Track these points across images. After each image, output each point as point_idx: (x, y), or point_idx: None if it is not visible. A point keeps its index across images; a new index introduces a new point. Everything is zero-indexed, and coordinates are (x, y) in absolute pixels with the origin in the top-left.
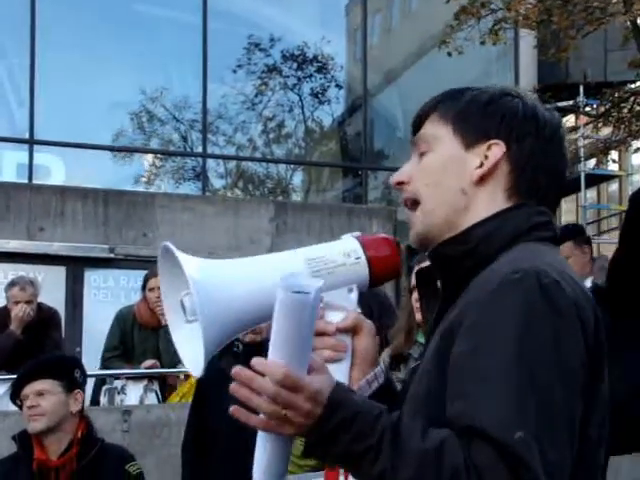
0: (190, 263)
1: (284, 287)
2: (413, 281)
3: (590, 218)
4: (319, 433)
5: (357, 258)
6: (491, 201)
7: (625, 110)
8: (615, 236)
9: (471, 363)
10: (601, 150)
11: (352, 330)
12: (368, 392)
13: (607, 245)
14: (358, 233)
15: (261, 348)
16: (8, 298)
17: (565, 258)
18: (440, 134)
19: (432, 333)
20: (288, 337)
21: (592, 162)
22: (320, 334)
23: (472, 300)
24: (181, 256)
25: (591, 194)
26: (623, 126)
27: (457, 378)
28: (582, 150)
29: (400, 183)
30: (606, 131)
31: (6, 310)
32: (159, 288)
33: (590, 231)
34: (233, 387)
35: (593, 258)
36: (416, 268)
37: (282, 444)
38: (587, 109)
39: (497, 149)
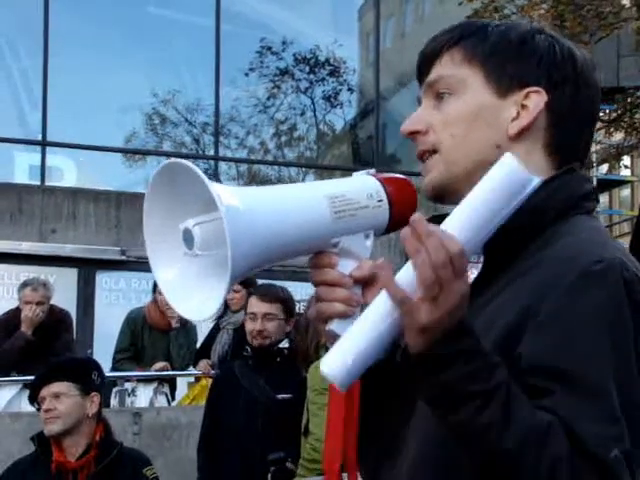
0: (218, 188)
1: (511, 161)
2: None
3: (602, 223)
4: (438, 351)
5: (379, 201)
6: (528, 158)
7: (637, 115)
8: (627, 241)
9: (556, 360)
10: (613, 155)
11: (366, 281)
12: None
13: None
14: (373, 170)
15: (269, 351)
16: (20, 298)
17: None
18: (466, 77)
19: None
20: (487, 213)
21: (604, 167)
22: (333, 284)
23: (545, 289)
24: (208, 179)
25: (603, 199)
26: (635, 132)
27: (540, 374)
28: (594, 155)
29: (415, 132)
30: (618, 136)
31: (18, 311)
32: None
33: None
34: (405, 233)
35: None
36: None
37: (382, 346)
38: (600, 114)
39: (538, 98)
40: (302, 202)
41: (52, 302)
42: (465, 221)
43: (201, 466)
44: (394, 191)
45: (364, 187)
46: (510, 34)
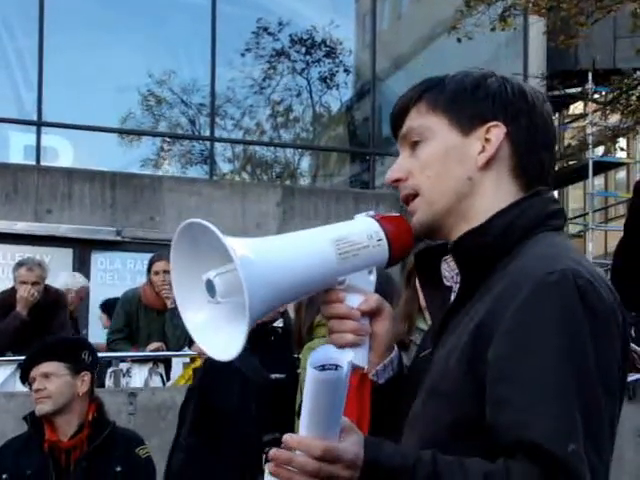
0: (233, 242)
1: (314, 365)
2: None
3: (597, 205)
4: None
5: (379, 240)
6: (497, 184)
7: (634, 97)
8: (622, 224)
9: (511, 368)
10: (609, 137)
11: (373, 313)
12: (384, 377)
13: (614, 233)
14: (372, 212)
15: (263, 331)
16: (15, 278)
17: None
18: (432, 124)
19: (445, 326)
20: (322, 412)
21: (600, 149)
22: (342, 317)
23: (505, 301)
24: (222, 235)
25: (599, 181)
26: (631, 114)
27: (500, 383)
28: (590, 137)
29: (397, 180)
30: (614, 118)
31: (13, 291)
32: (164, 271)
33: (598, 218)
34: (273, 470)
35: None
36: (415, 251)
37: None
38: (595, 96)
39: (497, 130)
40: (310, 248)
41: (47, 282)
42: (313, 421)
43: (191, 446)
44: (391, 230)
45: (364, 229)
46: (465, 81)
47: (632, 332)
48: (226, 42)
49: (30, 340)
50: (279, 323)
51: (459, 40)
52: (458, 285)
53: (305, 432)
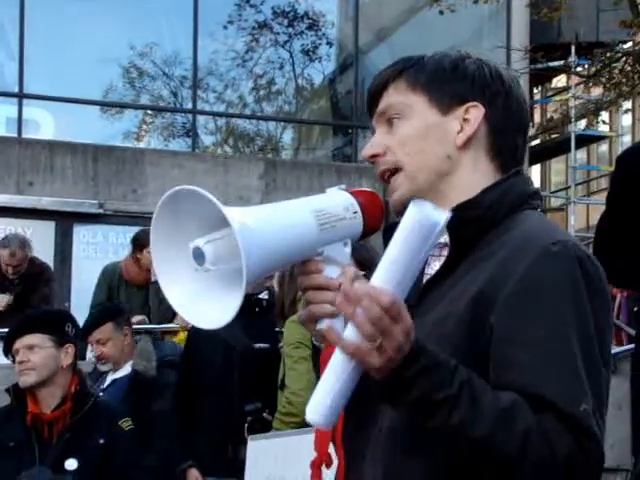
0: (228, 208)
1: (419, 207)
2: None
3: (580, 179)
4: (399, 375)
5: (354, 212)
6: (475, 164)
7: (616, 70)
8: (604, 197)
9: (521, 331)
10: (592, 111)
11: None
12: None
13: (596, 206)
14: (343, 186)
15: (247, 301)
16: (1, 256)
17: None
18: (412, 103)
19: (426, 294)
20: (407, 260)
21: (582, 123)
22: (321, 288)
23: (509, 267)
24: (215, 200)
25: (581, 155)
26: (614, 87)
27: (507, 346)
28: (573, 110)
29: (375, 156)
30: (597, 92)
31: None
32: None
33: (580, 192)
34: (339, 301)
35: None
36: (383, 228)
37: (353, 384)
38: (578, 69)
39: (476, 111)
40: (294, 218)
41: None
42: (390, 271)
43: (177, 420)
44: (365, 203)
45: (341, 201)
46: (444, 61)
47: (635, 308)
48: (208, 14)
49: (14, 312)
50: (264, 295)
51: (441, 12)
52: (436, 258)
53: (381, 278)
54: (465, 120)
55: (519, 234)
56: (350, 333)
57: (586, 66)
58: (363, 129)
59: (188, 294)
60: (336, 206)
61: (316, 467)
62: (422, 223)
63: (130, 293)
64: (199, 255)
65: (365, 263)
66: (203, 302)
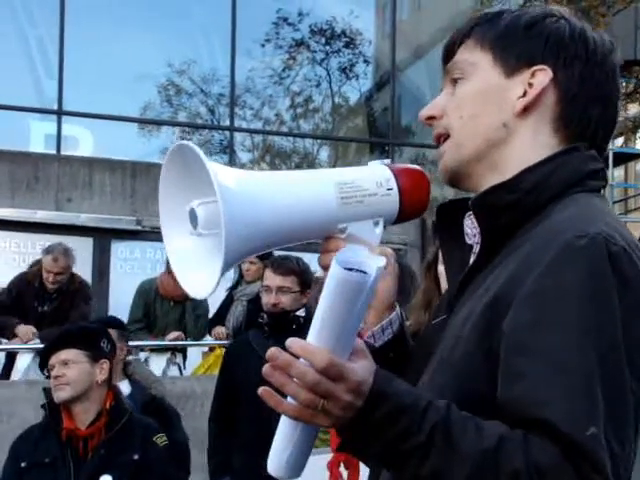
0: (218, 169)
1: (342, 263)
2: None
3: (617, 197)
4: (360, 428)
5: (389, 189)
6: (535, 135)
7: None
8: None
9: (532, 339)
10: (629, 128)
11: None
12: (382, 340)
13: (634, 224)
14: (388, 160)
15: (285, 317)
16: (43, 262)
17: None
18: (477, 60)
19: (462, 289)
20: (338, 319)
21: (620, 140)
22: None
23: (529, 265)
24: (206, 158)
25: (618, 172)
26: None
27: (515, 354)
28: None
29: (431, 118)
30: (634, 109)
31: (37, 270)
32: None
33: (617, 210)
34: (267, 370)
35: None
36: (437, 206)
37: (310, 436)
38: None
39: (543, 75)
40: (308, 186)
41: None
42: (324, 329)
43: (215, 435)
44: (405, 181)
45: (374, 175)
46: (521, 18)
47: None
48: (246, 32)
49: (51, 327)
50: (301, 312)
51: None
52: (478, 245)
53: (313, 340)
54: (530, 85)
55: (550, 224)
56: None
57: (624, 84)
58: (400, 146)
59: (183, 256)
60: (368, 180)
61: (334, 466)
62: (347, 281)
63: (166, 309)
64: (194, 217)
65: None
66: (193, 267)
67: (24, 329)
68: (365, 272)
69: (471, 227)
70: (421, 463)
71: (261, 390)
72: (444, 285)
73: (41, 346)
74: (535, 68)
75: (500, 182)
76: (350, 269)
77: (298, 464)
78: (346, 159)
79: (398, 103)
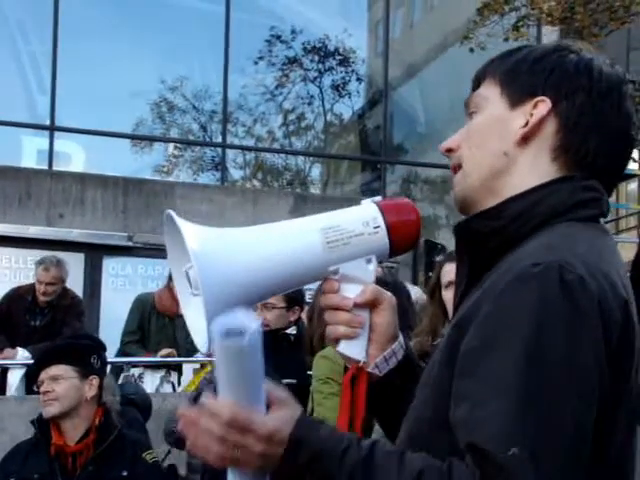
0: (191, 232)
1: (217, 332)
2: (448, 277)
3: (609, 217)
4: (284, 473)
5: (376, 227)
6: (534, 163)
7: None
8: (634, 235)
9: (476, 362)
10: None
11: (371, 304)
12: (386, 369)
13: (625, 245)
14: (379, 198)
15: (274, 337)
16: (35, 274)
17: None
18: (489, 94)
19: (455, 311)
20: (232, 380)
21: None
22: (335, 309)
23: (489, 291)
24: (183, 225)
25: None
26: None
27: (461, 376)
28: None
29: (449, 150)
30: None
31: (30, 286)
32: None
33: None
34: (181, 427)
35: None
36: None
37: (251, 477)
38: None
39: (542, 106)
40: (292, 237)
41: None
42: (225, 393)
43: None
44: (392, 217)
45: (361, 215)
46: (533, 53)
47: None
48: (239, 49)
49: (42, 341)
50: (292, 330)
51: (472, 50)
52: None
53: (220, 396)
54: (531, 115)
55: (518, 253)
56: None
57: None
58: (392, 164)
59: (191, 314)
60: (354, 221)
61: None
62: (222, 349)
63: (161, 324)
64: (188, 279)
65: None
66: (195, 323)
67: (11, 353)
68: (241, 334)
69: None
70: None
71: (187, 446)
72: (450, 312)
73: (32, 362)
74: (537, 99)
75: (484, 209)
76: (228, 333)
77: None
78: (338, 177)
79: (390, 121)
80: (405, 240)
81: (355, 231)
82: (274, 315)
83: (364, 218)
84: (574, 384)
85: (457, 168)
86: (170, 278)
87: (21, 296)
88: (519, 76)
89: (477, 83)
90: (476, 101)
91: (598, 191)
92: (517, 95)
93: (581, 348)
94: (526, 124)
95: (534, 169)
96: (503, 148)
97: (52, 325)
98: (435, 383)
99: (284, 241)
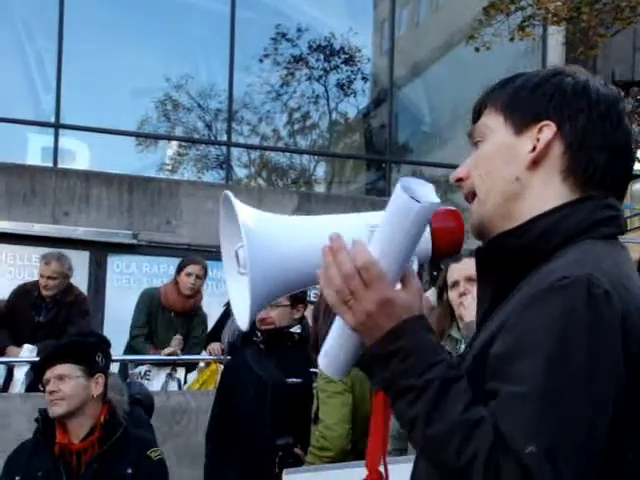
0: (247, 213)
1: (403, 185)
2: (455, 277)
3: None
4: (376, 351)
5: None
6: (546, 185)
7: None
8: (639, 235)
9: (504, 365)
10: None
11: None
12: None
13: (631, 245)
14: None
15: (279, 336)
16: (39, 269)
17: None
18: (492, 123)
19: (480, 327)
20: (385, 238)
21: None
22: None
23: (519, 304)
24: (238, 205)
25: None
26: None
27: (492, 377)
28: None
29: (460, 180)
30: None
31: (34, 282)
32: (197, 276)
33: None
34: (325, 248)
35: None
36: (475, 250)
37: (346, 335)
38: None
39: (548, 130)
40: (340, 230)
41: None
42: (373, 241)
43: (209, 453)
44: (438, 223)
45: None
46: (531, 80)
47: None
48: (244, 48)
49: (47, 337)
50: (297, 329)
51: (477, 50)
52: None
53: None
54: (538, 140)
55: (547, 269)
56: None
57: None
58: (397, 164)
59: (235, 292)
60: None
61: None
62: (398, 202)
63: (167, 320)
64: (237, 258)
65: None
66: (240, 302)
67: (15, 351)
68: (420, 202)
69: None
70: (408, 405)
71: (320, 271)
72: (458, 312)
73: (37, 359)
74: (541, 124)
75: (510, 228)
76: (412, 192)
77: (335, 360)
78: (343, 176)
79: (395, 120)
80: (448, 246)
81: None
82: (279, 313)
83: None
84: (591, 391)
85: (472, 196)
86: (178, 272)
87: (28, 292)
88: (521, 103)
89: (477, 113)
90: (480, 130)
91: (616, 209)
92: (521, 121)
93: (601, 358)
94: (534, 149)
95: (547, 191)
96: (514, 173)
97: (56, 321)
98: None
99: (335, 231)
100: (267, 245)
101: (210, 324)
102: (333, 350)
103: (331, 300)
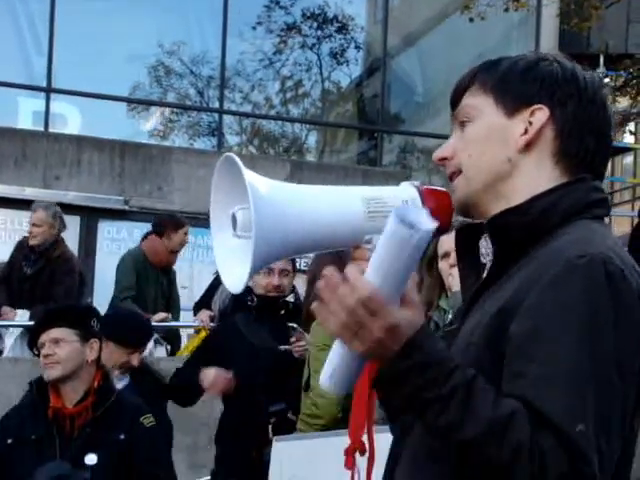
0: (252, 176)
1: (398, 216)
2: (445, 247)
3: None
4: (392, 370)
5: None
6: (538, 167)
7: None
8: (628, 209)
9: (533, 345)
10: (618, 122)
11: None
12: None
13: (620, 218)
14: (418, 182)
15: (275, 302)
16: None
17: None
18: (480, 104)
19: (474, 302)
20: (384, 265)
21: None
22: None
23: (534, 279)
24: (245, 169)
25: None
26: None
27: (518, 358)
28: None
29: (443, 159)
30: (624, 103)
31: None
32: (185, 233)
33: None
34: (320, 285)
35: None
36: (455, 228)
37: (351, 358)
38: (606, 80)
39: (541, 114)
40: (338, 200)
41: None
42: (372, 268)
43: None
44: (430, 201)
45: (401, 194)
46: (518, 63)
47: None
48: (238, 15)
49: (33, 296)
50: (290, 298)
51: (472, 20)
52: (491, 262)
53: (366, 275)
54: (530, 123)
55: (555, 246)
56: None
57: (614, 77)
58: (389, 133)
59: (224, 255)
60: (394, 197)
61: (350, 454)
62: (396, 233)
63: (154, 278)
64: (234, 221)
65: None
66: (231, 265)
67: (11, 314)
68: (416, 229)
69: (486, 247)
70: (438, 414)
71: (315, 305)
72: (447, 283)
73: (30, 323)
74: (534, 107)
75: (512, 206)
76: (407, 221)
77: (341, 380)
78: (335, 145)
79: (388, 90)
80: (440, 225)
81: (395, 206)
82: (289, 281)
83: (404, 197)
84: (619, 368)
85: (456, 174)
86: (174, 230)
87: (22, 244)
88: (511, 85)
89: (459, 92)
90: (468, 110)
91: (603, 191)
92: (512, 104)
93: (624, 335)
94: (526, 131)
95: (539, 173)
96: (506, 154)
97: (41, 275)
98: (471, 365)
99: (333, 202)
100: (272, 209)
101: (199, 292)
102: (341, 371)
103: (337, 333)
